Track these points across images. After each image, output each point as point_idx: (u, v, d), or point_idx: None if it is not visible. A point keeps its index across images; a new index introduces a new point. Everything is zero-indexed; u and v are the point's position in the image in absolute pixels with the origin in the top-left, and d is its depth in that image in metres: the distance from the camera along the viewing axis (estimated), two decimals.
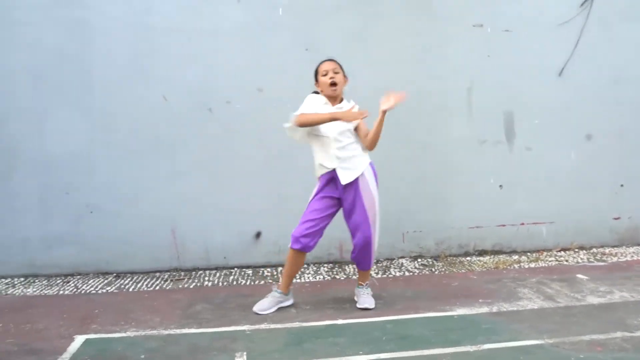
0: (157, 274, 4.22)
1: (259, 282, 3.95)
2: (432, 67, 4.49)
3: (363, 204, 3.21)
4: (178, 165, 4.28)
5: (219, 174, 4.33)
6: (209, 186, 4.32)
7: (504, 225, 4.64)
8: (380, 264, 4.38)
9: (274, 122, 4.31)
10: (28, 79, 4.10)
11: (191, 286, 3.88)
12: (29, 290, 3.82)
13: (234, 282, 3.95)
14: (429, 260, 4.48)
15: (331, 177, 3.26)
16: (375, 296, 3.47)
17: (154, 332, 2.94)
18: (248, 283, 3.93)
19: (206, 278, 4.08)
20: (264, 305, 3.24)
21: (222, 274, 4.20)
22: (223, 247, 4.39)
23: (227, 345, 2.74)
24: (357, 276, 3.48)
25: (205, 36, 4.25)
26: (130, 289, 3.82)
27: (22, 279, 4.11)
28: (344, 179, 3.20)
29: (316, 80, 3.34)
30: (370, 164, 3.31)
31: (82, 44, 4.14)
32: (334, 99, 3.28)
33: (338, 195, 3.27)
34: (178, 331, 2.95)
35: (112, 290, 3.81)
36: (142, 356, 2.62)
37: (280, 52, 4.34)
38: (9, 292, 3.77)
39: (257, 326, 3.00)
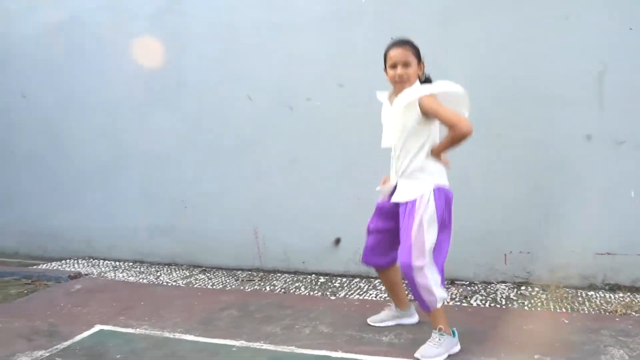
0: (238, 272, 4.26)
1: (317, 293, 3.67)
2: (546, 47, 3.54)
3: (411, 225, 2.53)
4: (260, 165, 4.24)
5: (298, 175, 4.16)
6: (289, 187, 4.18)
7: None
8: (472, 287, 3.67)
9: (356, 120, 4.00)
10: (138, 84, 4.52)
11: (250, 289, 3.80)
12: (121, 275, 4.23)
13: (293, 290, 3.74)
14: (535, 289, 3.58)
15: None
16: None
17: (158, 332, 2.94)
18: (305, 293, 3.68)
19: (273, 282, 3.96)
20: (376, 317, 3.01)
21: (293, 279, 4.02)
22: (302, 251, 4.21)
23: (203, 359, 2.58)
24: None
25: (285, 31, 4.10)
26: (197, 286, 3.91)
27: (130, 264, 4.58)
28: (395, 196, 2.65)
29: (385, 68, 2.70)
30: (438, 189, 2.58)
31: (179, 49, 4.38)
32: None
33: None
34: (177, 336, 2.89)
35: (182, 284, 3.96)
36: (118, 356, 2.64)
37: (363, 43, 3.94)
38: (105, 275, 4.23)
39: (250, 344, 2.76)
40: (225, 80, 4.27)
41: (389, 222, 2.75)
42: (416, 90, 2.55)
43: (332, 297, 3.54)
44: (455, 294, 3.55)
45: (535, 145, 3.61)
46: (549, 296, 3.45)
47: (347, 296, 3.56)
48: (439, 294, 2.57)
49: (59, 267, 4.45)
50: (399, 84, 2.60)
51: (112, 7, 4.53)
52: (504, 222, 3.69)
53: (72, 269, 4.35)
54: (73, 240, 4.81)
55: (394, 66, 2.59)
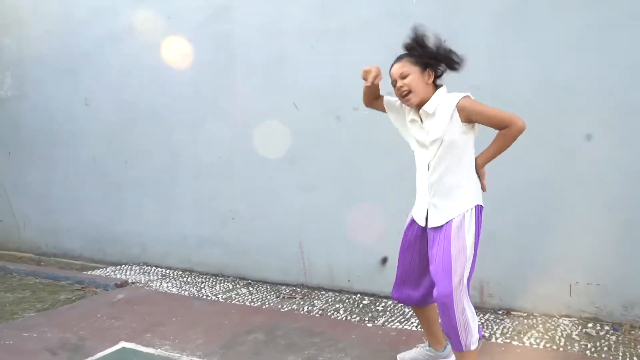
0: (282, 288, 4.10)
1: (356, 317, 3.41)
2: (626, 52, 3.05)
3: (449, 249, 2.26)
4: (306, 176, 4.06)
5: (345, 188, 3.92)
6: (336, 200, 3.95)
7: None
8: (530, 320, 3.25)
9: None
10: (190, 93, 4.49)
11: (287, 308, 3.62)
12: (166, 285, 4.21)
13: (331, 312, 3.51)
14: (605, 328, 3.10)
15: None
16: None
17: (176, 355, 2.84)
18: (342, 317, 3.44)
19: (314, 301, 3.75)
20: (406, 355, 2.71)
21: (335, 299, 3.80)
22: (348, 269, 3.97)
23: None
24: None
25: (331, 36, 3.88)
26: (235, 302, 3.79)
27: (180, 272, 4.58)
28: (432, 220, 2.35)
29: None
30: (478, 208, 2.32)
31: (228, 56, 4.30)
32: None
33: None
34: None
35: (221, 299, 3.86)
36: None
37: None
38: (151, 284, 4.23)
39: None
40: (273, 88, 4.12)
41: (420, 249, 2.47)
42: (452, 97, 2.29)
43: (369, 325, 3.27)
44: (508, 328, 3.15)
45: (609, 160, 3.12)
46: (619, 338, 2.96)
47: (386, 324, 3.28)
48: (476, 333, 2.28)
49: (112, 273, 4.53)
50: (406, 99, 2.35)
51: (165, 16, 4.53)
52: (571, 246, 3.24)
53: (123, 277, 4.41)
54: (130, 246, 4.90)
55: (394, 84, 2.39)
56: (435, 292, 2.30)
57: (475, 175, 2.35)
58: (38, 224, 5.46)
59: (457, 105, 2.26)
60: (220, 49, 4.32)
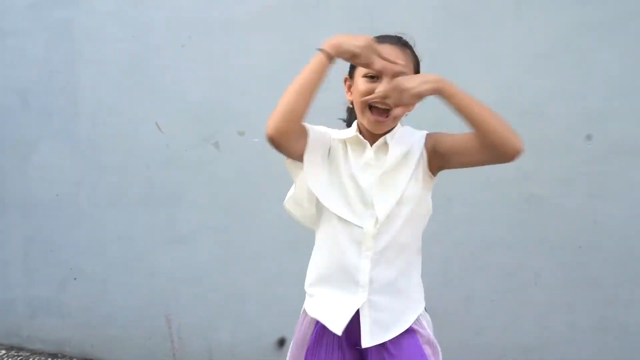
0: None
1: None
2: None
3: None
4: (176, 224, 2.94)
5: (229, 242, 2.85)
6: (216, 259, 2.88)
7: None
8: None
9: None
10: (16, 102, 3.22)
11: None
12: None
13: None
14: None
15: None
16: None
17: None
18: None
19: None
20: None
21: None
22: (232, 352, 2.90)
23: None
24: None
25: (212, 30, 2.79)
26: None
27: (3, 352, 3.30)
28: (369, 337, 1.40)
29: (350, 76, 1.49)
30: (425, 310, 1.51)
31: (69, 53, 3.08)
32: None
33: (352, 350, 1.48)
34: None
35: None
36: None
37: None
38: None
39: None
40: (130, 99, 2.96)
41: None
42: (411, 131, 1.49)
43: None
44: None
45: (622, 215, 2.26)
46: None
47: None
48: None
49: None
50: (378, 121, 1.40)
51: None
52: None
53: None
54: None
55: (374, 78, 1.38)
56: None
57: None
58: None
59: (425, 142, 1.43)
60: (58, 44, 3.09)
